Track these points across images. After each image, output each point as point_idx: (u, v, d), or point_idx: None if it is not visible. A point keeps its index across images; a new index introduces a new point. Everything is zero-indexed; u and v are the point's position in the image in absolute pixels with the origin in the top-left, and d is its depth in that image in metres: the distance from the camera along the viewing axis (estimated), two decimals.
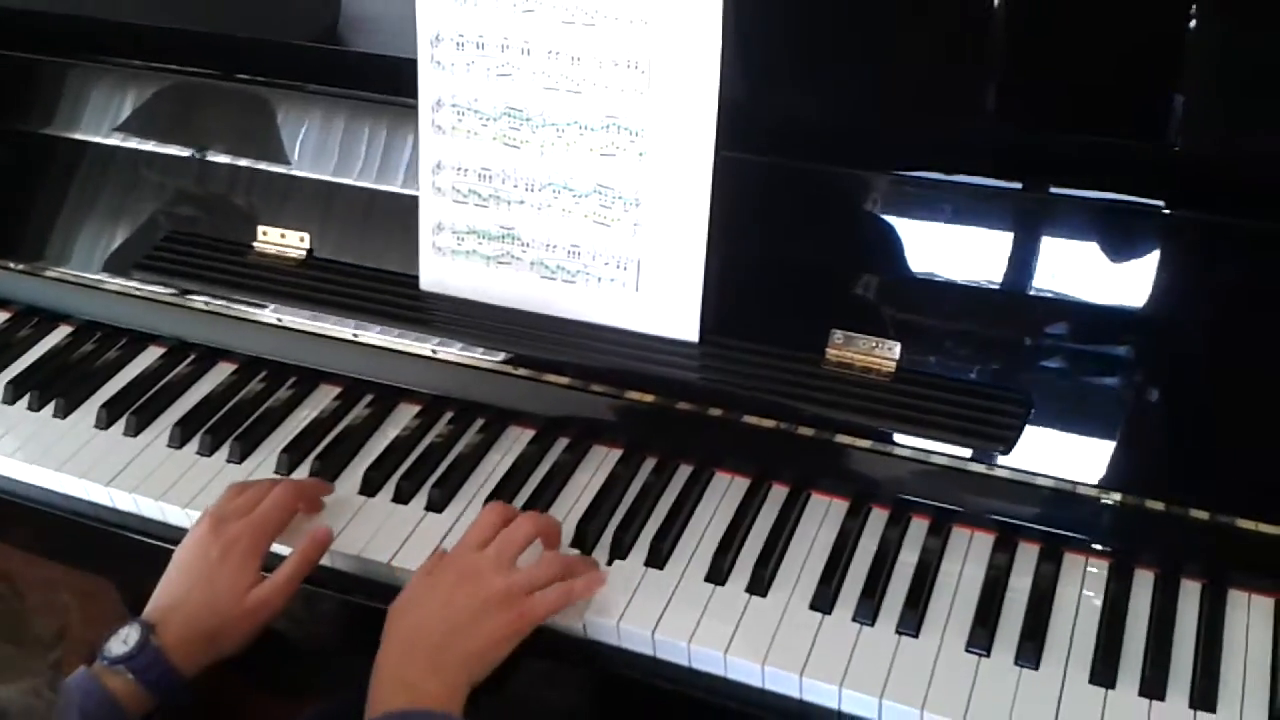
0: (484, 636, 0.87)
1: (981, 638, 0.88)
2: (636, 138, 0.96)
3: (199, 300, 1.17)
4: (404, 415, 1.14)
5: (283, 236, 1.15)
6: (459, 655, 0.86)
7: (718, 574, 0.95)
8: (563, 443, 1.09)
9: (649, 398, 1.03)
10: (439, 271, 1.07)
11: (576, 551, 0.98)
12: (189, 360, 1.21)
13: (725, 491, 1.03)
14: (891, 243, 0.95)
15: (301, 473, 1.08)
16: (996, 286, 0.93)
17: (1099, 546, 0.93)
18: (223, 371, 1.20)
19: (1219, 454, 0.89)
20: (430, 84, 1.02)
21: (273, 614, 0.93)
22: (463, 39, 0.99)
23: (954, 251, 0.93)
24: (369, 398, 1.16)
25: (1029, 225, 0.92)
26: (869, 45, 0.94)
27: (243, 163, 1.16)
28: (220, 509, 0.97)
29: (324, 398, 1.17)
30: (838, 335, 0.96)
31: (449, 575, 0.90)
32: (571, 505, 1.03)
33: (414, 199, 1.07)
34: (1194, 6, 0.86)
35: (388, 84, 1.08)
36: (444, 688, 0.84)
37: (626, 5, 0.92)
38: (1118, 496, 0.91)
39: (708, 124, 0.93)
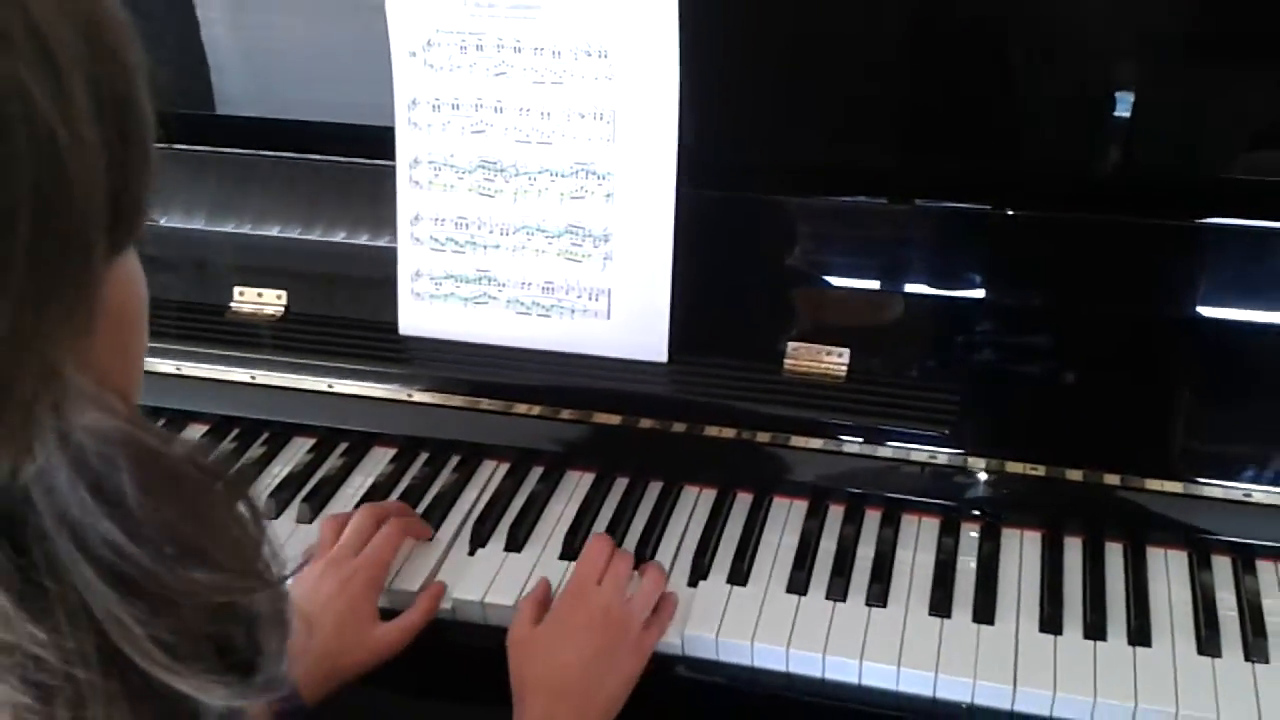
0: (620, 679, 0.92)
1: (942, 602, 0.99)
2: (604, 181, 1.07)
3: (168, 365, 1.22)
4: (380, 459, 1.20)
5: (259, 295, 1.22)
6: (602, 702, 0.90)
7: (699, 571, 1.04)
8: (537, 472, 1.17)
9: (616, 419, 1.12)
10: (417, 316, 1.15)
11: None
12: (160, 425, 1.25)
13: (695, 502, 1.12)
14: (834, 260, 1.08)
15: (287, 516, 1.13)
16: (929, 293, 1.06)
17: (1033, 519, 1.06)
18: (194, 433, 1.24)
19: (1128, 426, 1.03)
20: (407, 143, 1.12)
21: (393, 653, 0.96)
22: (438, 101, 1.10)
23: (889, 264, 1.07)
24: (344, 445, 1.22)
25: (946, 237, 1.06)
26: (798, 93, 1.09)
27: (215, 227, 1.22)
28: (326, 542, 1.02)
29: (298, 450, 1.22)
30: (793, 346, 1.08)
31: (578, 616, 0.94)
32: (552, 529, 1.10)
33: (390, 250, 1.15)
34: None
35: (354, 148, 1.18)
36: None
37: (592, 65, 1.05)
38: (1043, 470, 1.03)
39: (668, 165, 1.05)
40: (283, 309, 1.21)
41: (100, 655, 0.44)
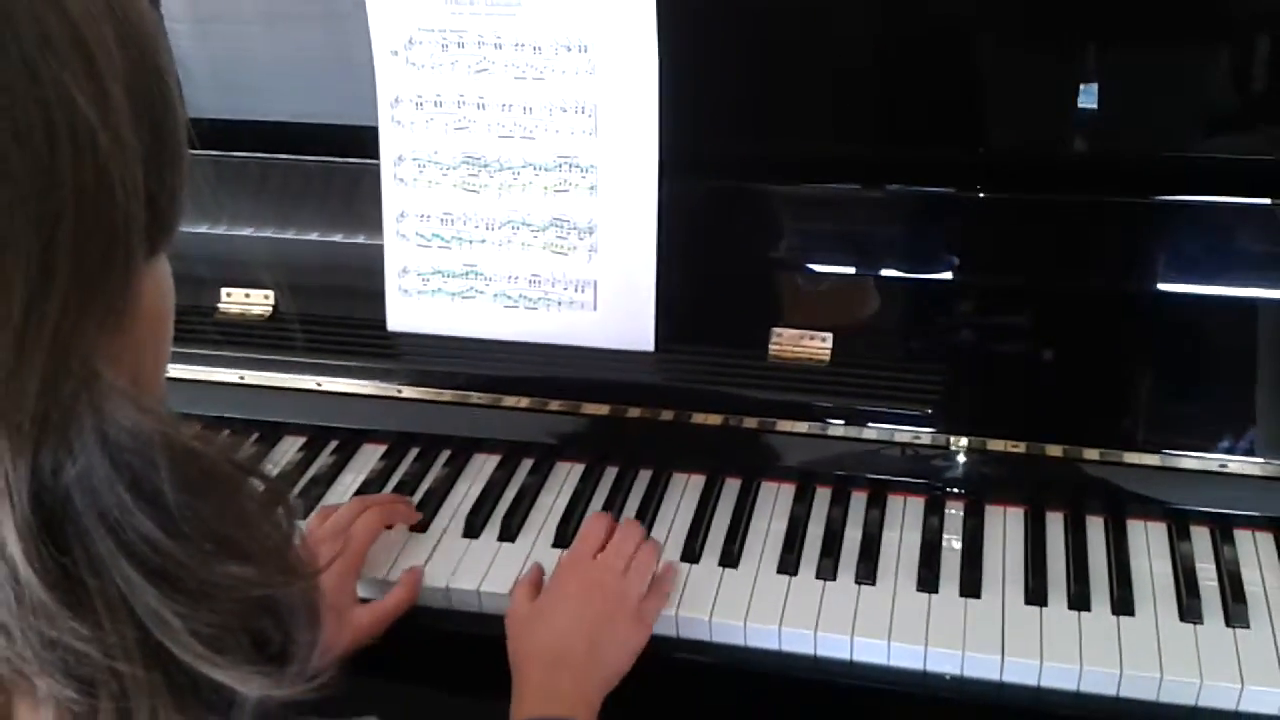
0: (620, 647, 0.93)
1: (929, 579, 1.01)
2: (587, 173, 1.09)
3: None
4: (370, 456, 1.21)
5: (247, 296, 1.22)
6: (601, 668, 0.91)
7: (690, 555, 1.05)
8: (528, 464, 1.18)
9: (606, 410, 1.14)
10: (405, 312, 1.16)
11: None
12: None
13: (684, 489, 1.13)
14: (813, 246, 1.10)
15: None
16: (908, 276, 1.08)
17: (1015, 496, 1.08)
18: None
19: (1105, 403, 1.06)
20: (391, 141, 1.13)
21: (367, 636, 0.97)
22: (421, 99, 1.11)
23: (866, 249, 1.09)
24: (334, 444, 1.23)
25: (919, 221, 1.09)
26: (773, 83, 1.11)
27: (203, 229, 1.23)
28: (313, 533, 1.03)
29: (288, 449, 1.23)
30: (777, 332, 1.09)
31: (574, 585, 0.96)
32: (544, 519, 1.12)
33: (376, 248, 1.16)
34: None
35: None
36: (588, 699, 0.89)
37: (572, 59, 1.06)
38: (1023, 447, 1.05)
39: (650, 157, 1.07)
40: (270, 309, 1.22)
41: (141, 648, 0.45)
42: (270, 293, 1.22)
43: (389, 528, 1.08)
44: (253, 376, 1.21)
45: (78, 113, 0.42)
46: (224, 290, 1.23)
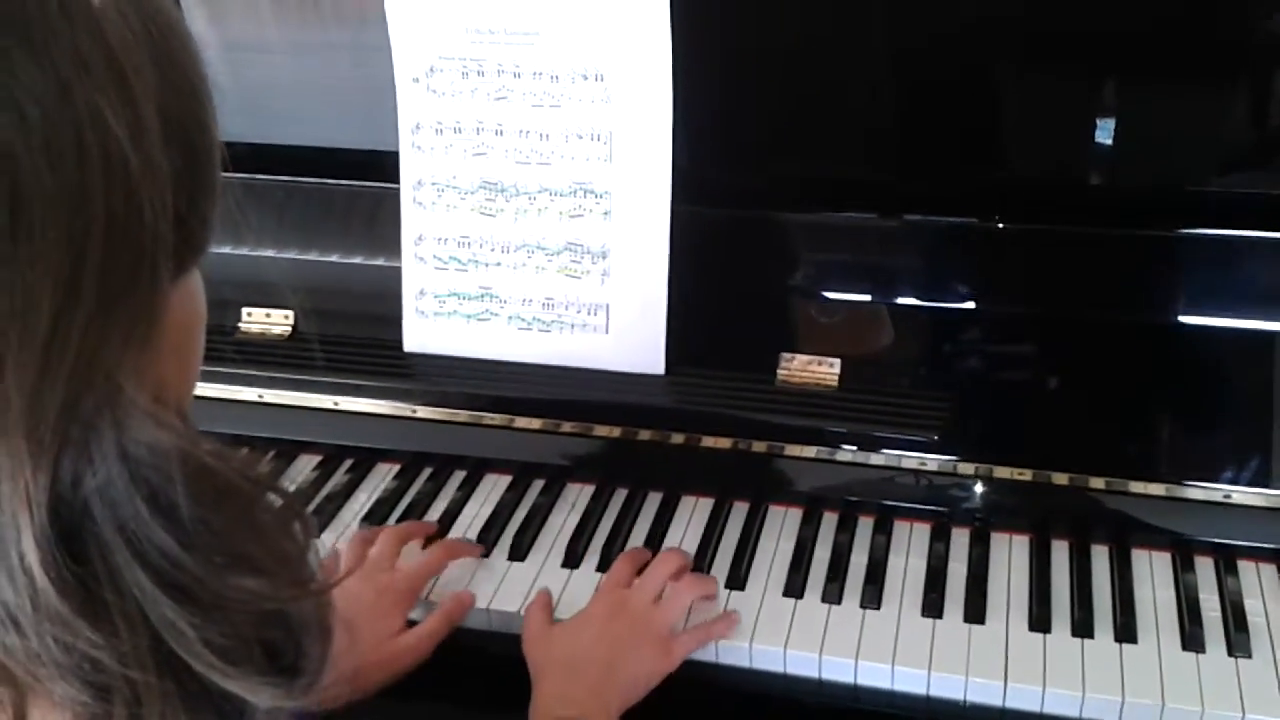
0: (640, 668, 0.94)
1: (934, 604, 1.02)
2: (602, 199, 1.11)
3: None
4: (384, 475, 1.23)
5: (267, 315, 1.25)
6: (618, 683, 0.92)
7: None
8: (538, 485, 1.20)
9: (617, 431, 1.15)
10: (422, 334, 1.19)
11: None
12: None
13: (693, 511, 1.15)
14: (825, 273, 1.12)
15: None
16: (918, 304, 1.10)
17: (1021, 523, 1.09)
18: None
19: (1112, 431, 1.07)
20: (411, 166, 1.16)
21: (415, 663, 0.98)
22: (441, 125, 1.14)
23: (877, 276, 1.11)
24: (349, 462, 1.25)
25: (933, 250, 1.10)
26: (787, 112, 1.13)
27: (225, 250, 1.25)
28: (369, 560, 1.04)
29: (303, 467, 1.25)
30: (786, 357, 1.11)
31: (600, 609, 0.98)
32: (554, 540, 1.13)
33: (394, 270, 1.19)
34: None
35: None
36: (603, 712, 0.90)
37: (589, 88, 1.09)
38: (1029, 474, 1.06)
39: (663, 183, 1.09)
40: (290, 329, 1.24)
41: (155, 657, 0.46)
42: (290, 313, 1.24)
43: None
44: (271, 395, 1.23)
45: (110, 134, 0.43)
46: (245, 310, 1.25)
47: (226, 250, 1.24)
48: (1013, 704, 0.95)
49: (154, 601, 0.46)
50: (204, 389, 1.23)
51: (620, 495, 1.17)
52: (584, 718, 0.88)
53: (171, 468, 0.46)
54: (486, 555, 1.11)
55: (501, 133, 1.12)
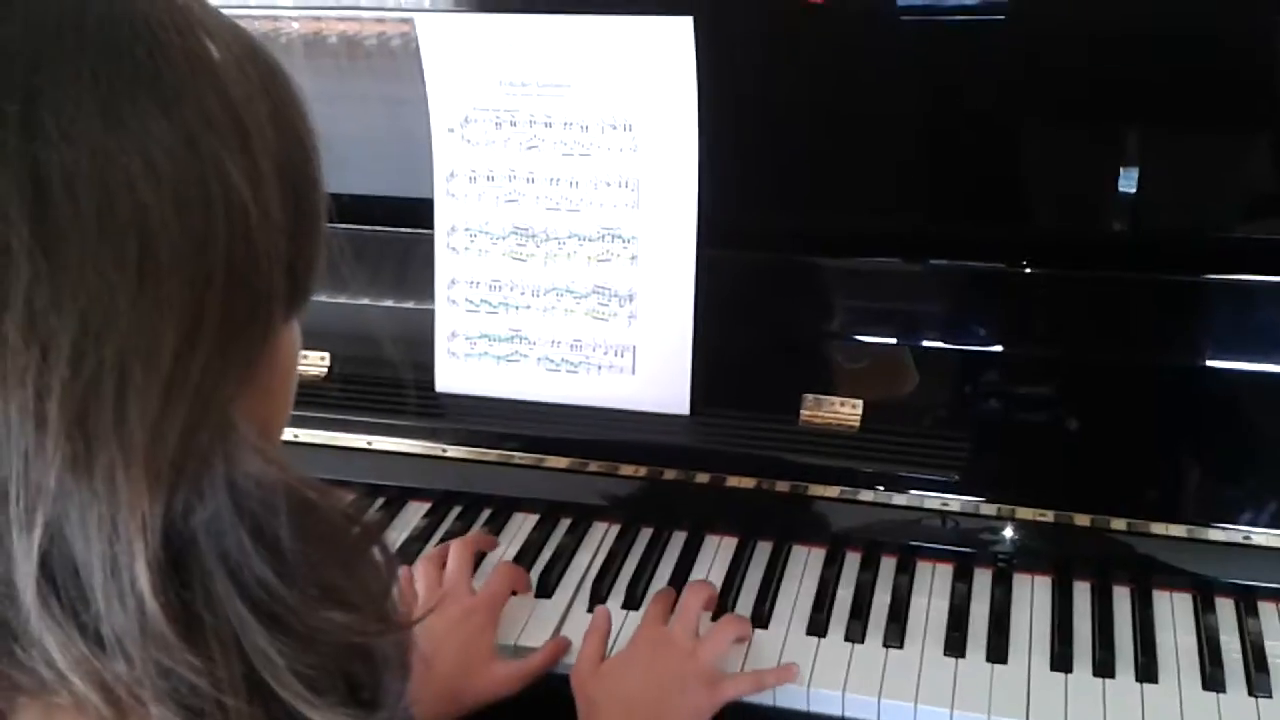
0: (688, 707, 0.96)
1: (956, 643, 1.03)
2: (629, 244, 1.14)
3: None
4: (415, 514, 1.26)
5: (304, 357, 1.28)
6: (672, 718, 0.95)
7: (722, 614, 1.08)
8: (565, 524, 1.22)
9: (643, 471, 1.18)
10: (453, 375, 1.22)
11: None
12: None
13: (717, 551, 1.17)
14: (848, 316, 1.14)
15: None
16: (940, 346, 1.12)
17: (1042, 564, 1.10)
18: None
19: (1133, 474, 1.08)
20: (445, 212, 1.19)
21: (509, 691, 1.00)
22: (474, 173, 1.18)
23: (901, 319, 1.13)
24: (381, 500, 1.27)
25: (958, 294, 1.13)
26: (812, 160, 1.16)
27: None
28: (449, 580, 1.08)
29: None
30: (809, 398, 1.13)
31: (644, 646, 1.00)
32: (580, 577, 1.15)
33: (427, 313, 1.22)
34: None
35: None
36: None
37: (617, 137, 1.13)
38: (1051, 516, 1.08)
39: (689, 229, 1.12)
40: (326, 370, 1.28)
41: (247, 684, 0.48)
42: (326, 354, 1.28)
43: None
44: (307, 435, 1.26)
45: (232, 187, 0.46)
46: None
47: None
48: None
49: (250, 630, 0.48)
50: None
51: (645, 534, 1.19)
52: None
53: (276, 501, 0.48)
54: (514, 593, 1.13)
55: (533, 180, 1.16)
